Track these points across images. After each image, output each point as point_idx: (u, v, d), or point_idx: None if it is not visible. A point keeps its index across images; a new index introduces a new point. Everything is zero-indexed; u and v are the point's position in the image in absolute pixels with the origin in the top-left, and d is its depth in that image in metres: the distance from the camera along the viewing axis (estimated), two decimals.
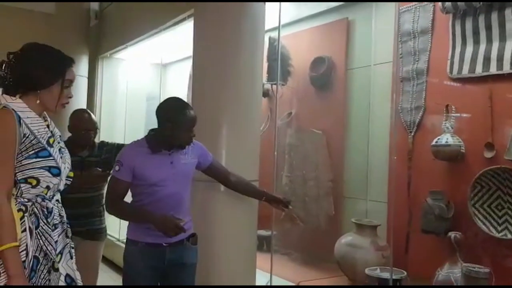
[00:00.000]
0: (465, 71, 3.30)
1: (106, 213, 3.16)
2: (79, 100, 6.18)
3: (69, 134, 3.09)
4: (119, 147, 3.12)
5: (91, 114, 3.15)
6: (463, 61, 3.32)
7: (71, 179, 2.14)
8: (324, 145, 4.19)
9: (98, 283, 3.32)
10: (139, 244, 2.52)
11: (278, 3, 3.50)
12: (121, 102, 6.15)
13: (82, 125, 3.03)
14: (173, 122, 2.48)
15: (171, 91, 6.20)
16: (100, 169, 2.99)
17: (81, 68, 6.19)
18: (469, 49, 3.29)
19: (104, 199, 3.12)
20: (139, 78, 5.88)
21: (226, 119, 3.03)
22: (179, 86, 5.70)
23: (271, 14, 3.49)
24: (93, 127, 3.09)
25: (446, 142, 3.21)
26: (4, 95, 1.94)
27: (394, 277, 3.20)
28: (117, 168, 2.49)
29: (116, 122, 6.17)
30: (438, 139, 3.26)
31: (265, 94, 4.72)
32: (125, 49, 5.75)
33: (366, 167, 4.00)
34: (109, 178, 2.65)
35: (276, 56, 4.42)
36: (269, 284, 3.46)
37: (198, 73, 3.15)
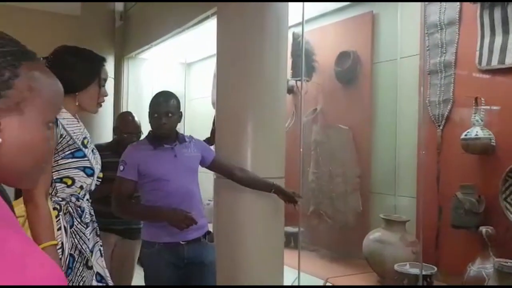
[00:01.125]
0: (495, 62, 3.22)
1: None
2: (106, 102, 6.26)
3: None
4: None
5: (135, 117, 3.22)
6: (492, 52, 3.24)
7: (100, 180, 2.18)
8: (350, 141, 4.15)
9: (133, 283, 3.39)
10: (156, 245, 2.55)
11: None
12: (147, 103, 6.19)
13: (126, 128, 3.11)
14: (149, 110, 2.62)
15: (196, 90, 6.25)
16: None
17: (107, 69, 6.27)
18: (498, 40, 3.21)
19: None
20: (164, 77, 5.93)
21: (251, 116, 3.03)
22: (203, 85, 5.73)
23: (295, 9, 3.48)
24: (136, 130, 3.16)
25: (476, 135, 3.14)
26: None
27: (424, 273, 3.15)
28: (121, 168, 2.54)
29: (142, 123, 6.22)
30: (468, 132, 3.19)
31: (290, 90, 4.71)
32: (149, 49, 5.81)
33: (394, 162, 3.95)
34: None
35: (300, 52, 4.42)
36: (297, 280, 3.45)
37: (222, 71, 3.16)
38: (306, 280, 3.50)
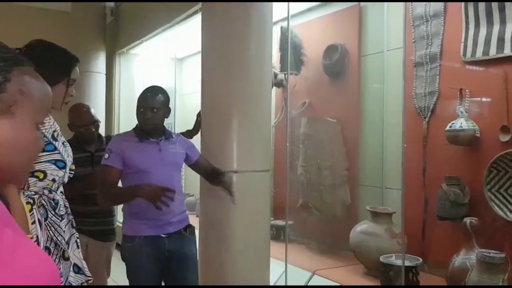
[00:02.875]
0: (479, 54, 3.22)
1: (117, 213, 3.18)
2: (97, 97, 6.29)
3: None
4: None
5: (87, 107, 3.10)
6: (477, 43, 3.25)
7: (73, 172, 2.18)
8: (339, 134, 4.16)
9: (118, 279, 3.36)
10: (136, 239, 2.55)
11: None
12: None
13: (81, 121, 3.00)
14: (136, 105, 2.64)
15: (187, 85, 6.25)
16: None
17: (99, 64, 6.28)
18: (483, 31, 3.22)
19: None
20: (155, 72, 5.93)
21: (236, 110, 3.03)
22: (195, 80, 5.73)
23: (283, 3, 3.48)
24: (91, 121, 3.04)
25: (460, 126, 3.15)
26: None
27: (409, 264, 3.16)
28: (106, 156, 2.53)
29: (134, 118, 6.23)
30: (452, 123, 3.20)
31: (279, 84, 4.72)
32: (140, 44, 5.81)
33: (381, 154, 3.96)
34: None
35: (289, 45, 4.42)
36: (284, 273, 3.47)
37: (207, 66, 3.16)
38: (293, 272, 3.52)
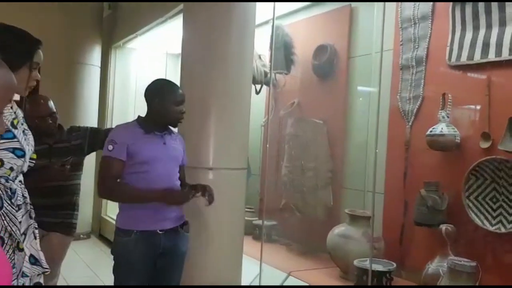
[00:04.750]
0: (464, 58, 3.17)
1: (79, 209, 3.11)
2: (92, 89, 6.30)
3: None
4: (93, 131, 3.09)
5: (45, 99, 3.01)
6: (462, 47, 3.19)
7: (34, 161, 2.15)
8: (324, 135, 4.12)
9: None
10: (132, 233, 2.46)
11: None
12: (133, 92, 6.22)
13: (36, 113, 2.93)
14: (160, 97, 2.52)
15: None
16: (67, 163, 2.80)
17: (94, 57, 6.28)
18: (469, 35, 3.17)
19: (78, 190, 3.11)
20: (150, 67, 5.91)
21: (214, 108, 3.00)
22: None
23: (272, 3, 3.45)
24: (47, 113, 2.95)
25: (441, 131, 3.10)
26: None
27: (383, 269, 3.12)
28: (110, 147, 2.44)
29: (128, 111, 6.24)
30: (433, 128, 3.15)
31: (269, 83, 4.69)
32: (135, 38, 5.80)
33: (365, 158, 3.91)
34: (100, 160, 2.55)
35: (279, 44, 4.39)
36: (259, 273, 3.44)
37: (186, 62, 3.14)
38: (269, 273, 3.48)
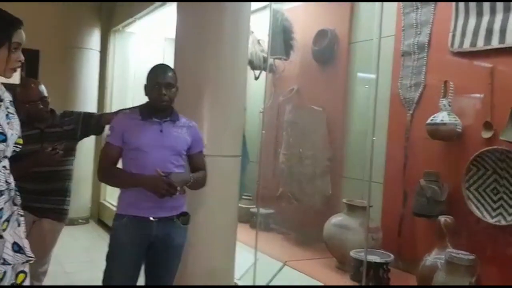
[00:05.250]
0: (466, 45, 3.07)
1: (71, 195, 3.06)
2: (91, 74, 6.23)
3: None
4: (86, 116, 3.03)
5: (36, 83, 2.94)
6: (465, 34, 3.09)
7: (20, 146, 2.09)
8: (323, 123, 4.03)
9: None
10: (125, 218, 2.46)
11: None
12: (132, 76, 6.14)
13: (27, 98, 2.87)
14: (146, 80, 2.52)
15: None
16: (57, 148, 2.72)
17: (93, 41, 6.20)
18: (472, 21, 3.06)
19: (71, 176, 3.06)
20: (148, 51, 5.82)
21: (208, 95, 2.92)
22: None
23: None
24: (38, 98, 2.89)
25: (442, 120, 3.01)
26: None
27: (379, 260, 3.05)
28: (109, 133, 2.50)
29: (127, 96, 6.17)
30: (434, 117, 3.06)
31: (269, 69, 4.59)
32: (133, 22, 5.71)
33: (365, 146, 3.82)
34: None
35: (279, 29, 4.29)
36: (255, 262, 3.39)
37: (179, 46, 3.05)
38: (263, 261, 3.43)
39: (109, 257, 2.51)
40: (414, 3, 3.44)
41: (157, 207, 2.44)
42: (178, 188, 2.39)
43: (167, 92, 2.46)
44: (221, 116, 2.96)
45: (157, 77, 2.49)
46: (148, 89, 2.52)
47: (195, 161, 2.64)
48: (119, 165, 2.56)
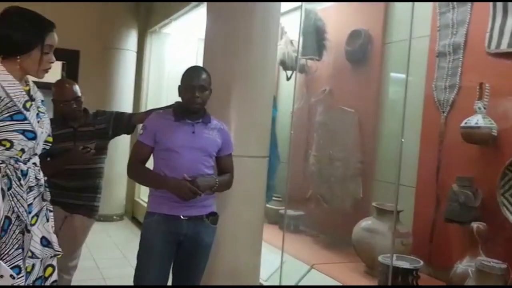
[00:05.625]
0: (504, 46, 2.95)
1: (102, 192, 3.12)
2: (128, 74, 6.36)
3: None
4: (117, 115, 3.08)
5: (71, 83, 3.03)
6: (503, 34, 2.97)
7: (49, 144, 2.15)
8: (355, 125, 3.97)
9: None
10: (156, 215, 2.50)
11: None
12: (166, 76, 6.23)
13: (61, 97, 2.96)
14: (181, 82, 2.55)
15: None
16: (89, 147, 2.82)
17: (130, 42, 6.33)
18: (510, 21, 2.94)
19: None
20: (182, 52, 5.89)
21: (235, 95, 2.92)
22: None
23: None
24: (71, 97, 2.96)
25: (476, 123, 2.90)
26: None
27: (408, 266, 2.97)
28: (141, 132, 2.54)
29: (162, 96, 6.27)
30: (468, 120, 2.96)
31: (301, 69, 4.57)
32: (170, 23, 5.78)
33: (397, 149, 3.74)
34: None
35: (311, 29, 4.25)
36: (281, 265, 3.36)
37: (208, 47, 3.06)
38: (290, 263, 3.40)
39: (141, 255, 2.54)
40: (450, 2, 3.33)
41: (187, 206, 2.48)
42: (202, 194, 2.41)
43: (200, 94, 2.48)
44: (249, 117, 2.96)
45: (191, 79, 2.51)
46: (181, 90, 2.54)
47: (223, 164, 2.66)
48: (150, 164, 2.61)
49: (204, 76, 2.54)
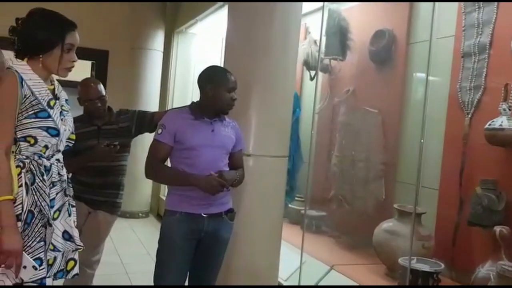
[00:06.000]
0: None
1: (124, 189, 3.17)
2: (154, 74, 6.45)
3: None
4: (140, 114, 3.13)
5: (96, 83, 3.10)
6: None
7: (72, 141, 2.21)
8: (379, 125, 3.93)
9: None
10: (177, 214, 2.51)
11: None
12: (192, 76, 6.29)
13: (87, 96, 3.03)
14: (213, 83, 2.52)
15: None
16: (113, 144, 2.86)
17: (157, 42, 6.41)
18: None
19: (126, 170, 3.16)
20: (207, 52, 5.95)
21: (256, 94, 2.93)
22: None
23: None
24: (96, 96, 3.03)
25: (500, 125, 2.85)
26: (12, 58, 2.05)
27: (429, 269, 2.94)
28: (159, 131, 2.52)
29: (187, 96, 6.33)
30: (492, 121, 2.90)
31: (325, 69, 4.56)
32: (195, 23, 5.84)
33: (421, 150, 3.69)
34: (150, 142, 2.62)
35: (335, 29, 4.24)
36: (301, 264, 3.36)
37: (229, 47, 3.08)
38: (310, 263, 3.40)
39: (162, 253, 2.56)
40: (476, 3, 3.27)
41: (207, 204, 2.51)
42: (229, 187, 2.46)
43: (235, 97, 2.52)
44: (269, 117, 2.96)
45: (230, 80, 2.53)
46: (216, 92, 2.51)
47: (235, 159, 2.67)
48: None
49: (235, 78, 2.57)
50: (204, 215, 2.50)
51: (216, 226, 2.55)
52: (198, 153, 2.48)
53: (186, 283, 2.64)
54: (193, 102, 2.66)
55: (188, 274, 2.64)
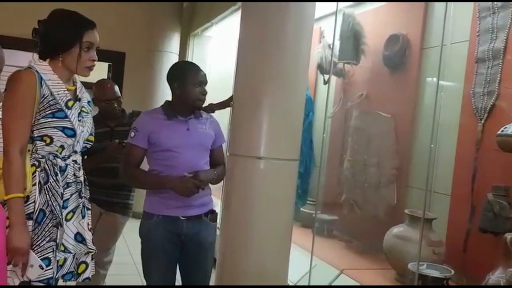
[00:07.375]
0: None
1: (136, 190, 3.20)
2: None
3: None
4: None
5: (112, 84, 3.15)
6: None
7: (91, 143, 2.24)
8: (391, 130, 3.92)
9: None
10: (154, 217, 2.50)
11: None
12: (208, 79, 6.31)
13: (103, 96, 3.08)
14: (179, 79, 2.50)
15: None
16: (125, 142, 2.87)
17: (173, 45, 6.48)
18: None
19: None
20: (222, 55, 5.98)
21: (267, 97, 2.93)
22: None
23: None
24: (113, 97, 3.09)
25: None
26: (34, 58, 2.10)
27: (439, 275, 2.92)
28: (132, 134, 2.50)
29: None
30: (505, 128, 2.86)
31: (338, 73, 4.56)
32: (211, 26, 5.89)
33: (434, 156, 3.67)
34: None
35: (349, 33, 4.24)
36: (313, 268, 3.37)
37: (242, 49, 3.10)
38: (320, 267, 3.40)
39: (145, 257, 2.57)
40: (491, 7, 3.25)
41: (186, 206, 2.48)
42: (204, 187, 2.43)
43: (205, 91, 2.50)
44: (280, 120, 2.97)
45: (198, 74, 2.53)
46: (184, 87, 2.49)
47: (216, 156, 2.64)
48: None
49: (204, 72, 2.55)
50: (183, 218, 2.47)
51: (197, 228, 2.52)
52: (175, 154, 2.45)
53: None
54: (166, 102, 2.61)
55: (182, 283, 2.63)
